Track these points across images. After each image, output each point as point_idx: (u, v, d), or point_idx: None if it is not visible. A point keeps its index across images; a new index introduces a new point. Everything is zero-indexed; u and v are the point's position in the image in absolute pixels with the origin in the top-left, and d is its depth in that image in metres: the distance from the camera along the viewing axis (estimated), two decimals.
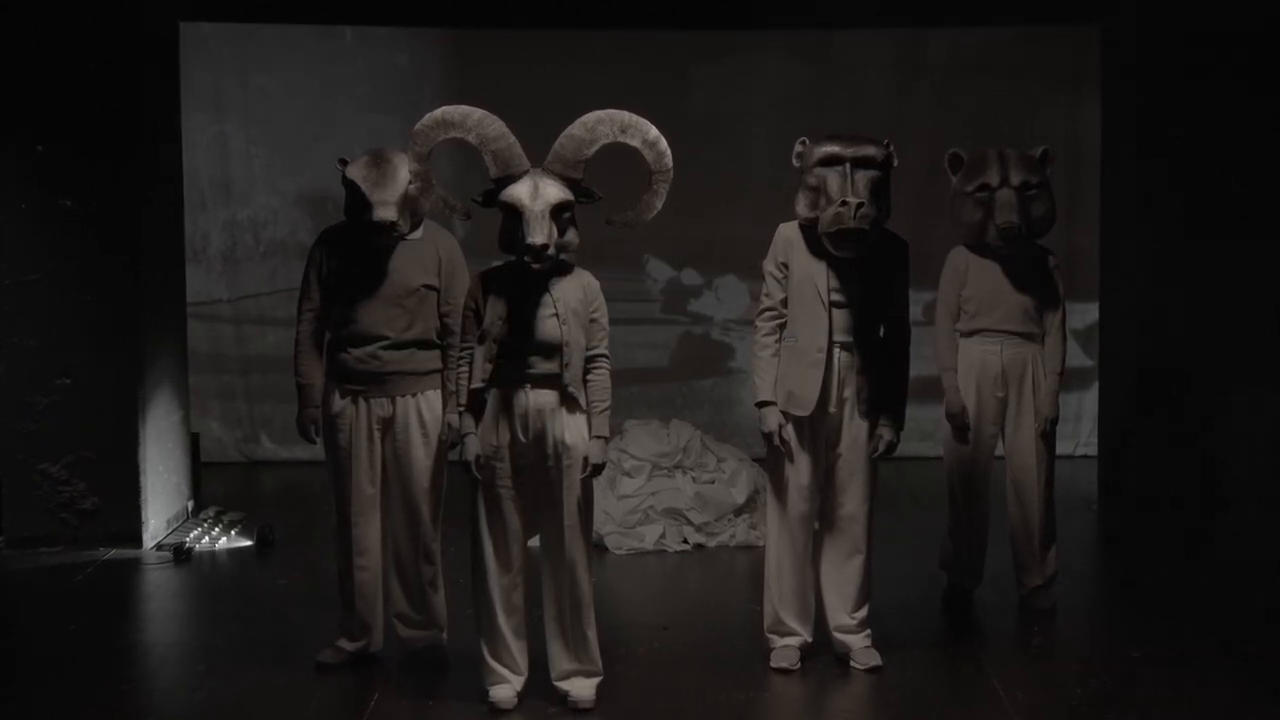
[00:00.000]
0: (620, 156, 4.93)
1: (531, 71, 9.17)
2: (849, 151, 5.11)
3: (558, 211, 4.69)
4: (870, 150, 5.12)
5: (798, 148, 5.23)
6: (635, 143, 4.78)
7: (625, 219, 4.89)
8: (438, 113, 4.81)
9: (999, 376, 5.95)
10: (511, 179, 4.74)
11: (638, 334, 9.55)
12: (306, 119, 9.36)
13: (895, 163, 5.19)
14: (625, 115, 4.77)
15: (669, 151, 4.80)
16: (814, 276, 5.20)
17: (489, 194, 4.78)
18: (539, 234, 4.63)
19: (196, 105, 9.01)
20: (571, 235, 4.77)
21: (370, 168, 5.16)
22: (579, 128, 4.74)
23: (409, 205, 5.20)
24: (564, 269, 4.84)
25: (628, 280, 9.38)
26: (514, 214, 4.71)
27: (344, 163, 5.25)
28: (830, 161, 5.12)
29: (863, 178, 5.09)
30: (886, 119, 8.84)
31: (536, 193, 4.68)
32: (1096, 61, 8.41)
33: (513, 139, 4.73)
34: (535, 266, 4.69)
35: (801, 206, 5.19)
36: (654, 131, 4.78)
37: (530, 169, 4.74)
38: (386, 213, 5.10)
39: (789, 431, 5.26)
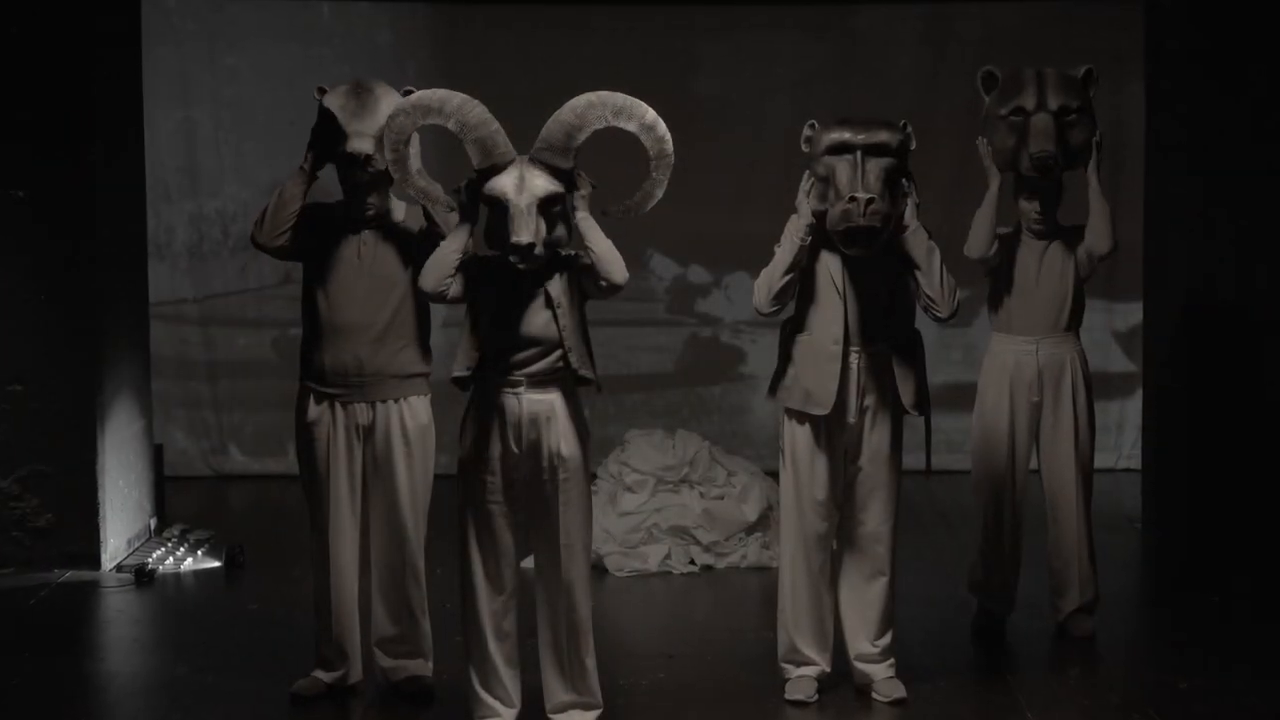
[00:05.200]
0: (618, 142, 4.94)
1: (524, 51, 9.19)
2: (860, 138, 5.09)
3: (546, 205, 4.69)
4: (883, 136, 5.10)
5: (806, 132, 5.23)
6: (631, 127, 4.76)
7: (623, 209, 4.87)
8: (414, 97, 4.82)
9: (1034, 380, 5.96)
10: (495, 169, 4.75)
11: (640, 337, 9.56)
12: (280, 103, 9.37)
13: (913, 145, 5.18)
14: (619, 97, 4.75)
15: (669, 135, 4.78)
16: (828, 266, 5.24)
17: (471, 185, 4.79)
18: (525, 231, 4.64)
19: (161, 87, 9.03)
20: (562, 231, 4.77)
21: (350, 97, 5.18)
22: (568, 112, 4.72)
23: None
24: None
25: (629, 278, 9.37)
26: (499, 208, 4.73)
27: (322, 91, 5.27)
28: (839, 149, 5.11)
29: (875, 167, 5.06)
30: (911, 102, 8.85)
31: (522, 185, 4.68)
32: (1140, 40, 8.41)
33: (496, 125, 4.72)
34: (521, 267, 4.70)
35: (812, 198, 5.19)
36: (651, 114, 4.76)
37: (516, 158, 4.74)
38: (362, 144, 5.10)
39: (803, 436, 5.28)
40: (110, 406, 7.24)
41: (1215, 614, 6.36)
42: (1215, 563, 7.12)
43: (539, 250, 4.66)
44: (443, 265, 4.80)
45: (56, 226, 7.06)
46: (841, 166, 5.08)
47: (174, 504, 8.21)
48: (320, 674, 5.38)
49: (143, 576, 6.91)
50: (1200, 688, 5.44)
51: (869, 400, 5.24)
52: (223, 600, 6.75)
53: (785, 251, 5.20)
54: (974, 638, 6.07)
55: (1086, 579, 6.04)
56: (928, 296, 5.19)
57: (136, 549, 7.43)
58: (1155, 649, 6.06)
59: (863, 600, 5.35)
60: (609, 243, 4.76)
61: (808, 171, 5.21)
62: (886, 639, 5.37)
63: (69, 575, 7.01)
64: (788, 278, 5.20)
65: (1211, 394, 7.50)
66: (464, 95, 4.76)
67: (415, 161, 4.95)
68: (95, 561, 7.10)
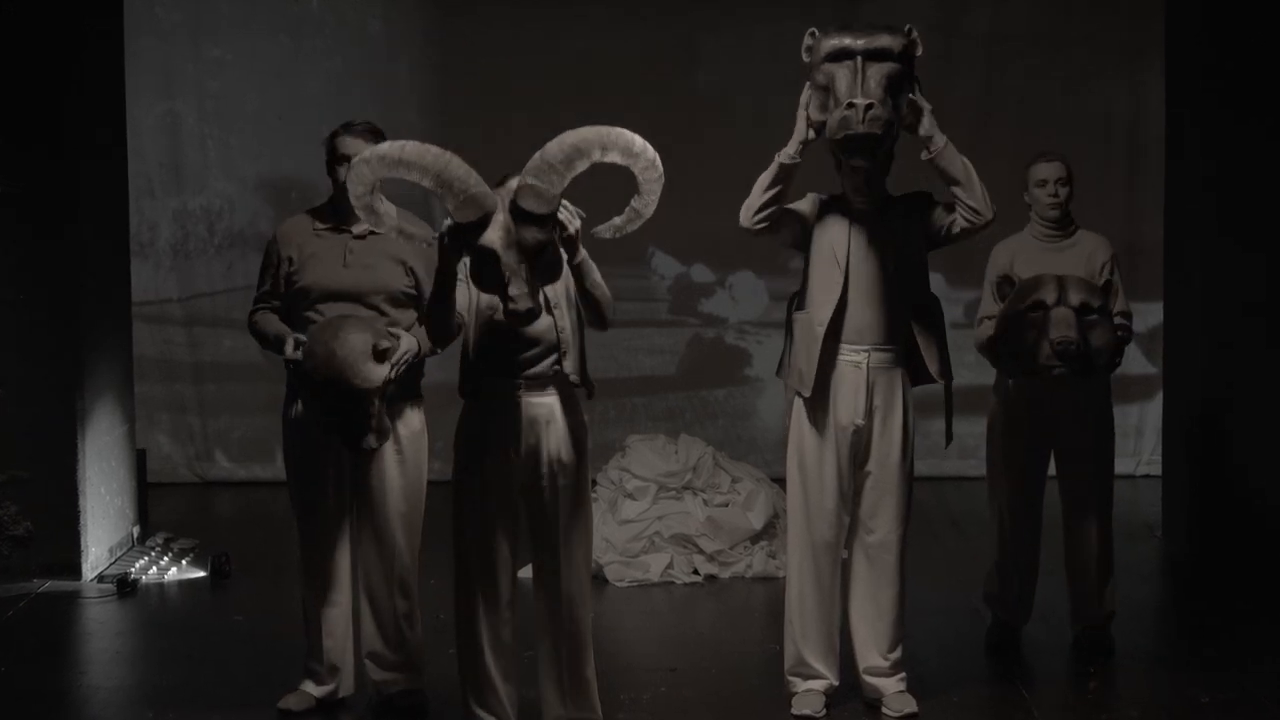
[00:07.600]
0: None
1: (519, 41, 9.18)
2: (860, 43, 5.01)
3: (536, 254, 4.57)
4: (885, 40, 5.03)
5: (807, 40, 5.16)
6: (617, 159, 4.63)
7: (612, 228, 4.76)
8: (383, 150, 4.57)
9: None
10: (481, 225, 4.55)
11: (642, 338, 9.55)
12: (268, 96, 9.37)
13: (919, 51, 5.13)
14: (603, 132, 4.59)
15: (656, 157, 4.66)
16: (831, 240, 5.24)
17: (452, 233, 4.58)
18: (523, 299, 4.51)
19: (144, 80, 9.02)
20: (551, 258, 4.64)
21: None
22: (553, 152, 4.53)
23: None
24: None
25: (630, 277, 9.39)
26: (486, 257, 4.57)
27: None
28: (839, 56, 5.03)
29: (876, 73, 4.99)
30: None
31: (509, 239, 4.54)
32: (1160, 29, 8.40)
33: (476, 177, 4.55)
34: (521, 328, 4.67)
35: (812, 109, 5.12)
36: (638, 142, 4.62)
37: (497, 205, 4.55)
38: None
39: (811, 438, 5.28)
40: (91, 410, 7.23)
41: (1238, 625, 6.35)
42: (1238, 572, 7.11)
43: (539, 312, 4.59)
44: (446, 325, 4.74)
45: (35, 224, 7.05)
46: (841, 73, 5.02)
47: (157, 511, 8.21)
48: (310, 687, 5.37)
49: (125, 587, 6.90)
50: (1222, 701, 5.43)
51: (878, 402, 5.23)
52: (208, 611, 6.74)
53: (773, 166, 5.15)
54: (988, 649, 6.06)
55: (1105, 589, 6.03)
56: (970, 208, 5.15)
57: (119, 558, 7.42)
58: (1176, 661, 6.04)
59: (873, 611, 5.34)
60: (604, 286, 4.77)
61: (808, 83, 5.17)
62: (897, 652, 5.36)
63: (49, 585, 7.01)
64: (771, 192, 5.15)
65: (1234, 397, 7.49)
66: (437, 148, 4.56)
67: (388, 205, 4.80)
68: (76, 571, 7.10)
